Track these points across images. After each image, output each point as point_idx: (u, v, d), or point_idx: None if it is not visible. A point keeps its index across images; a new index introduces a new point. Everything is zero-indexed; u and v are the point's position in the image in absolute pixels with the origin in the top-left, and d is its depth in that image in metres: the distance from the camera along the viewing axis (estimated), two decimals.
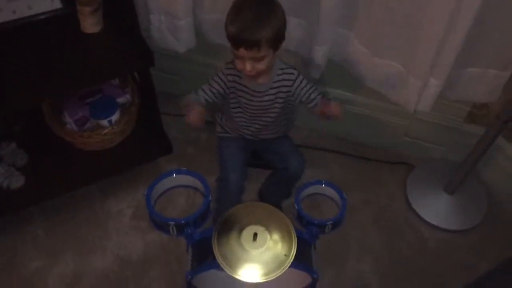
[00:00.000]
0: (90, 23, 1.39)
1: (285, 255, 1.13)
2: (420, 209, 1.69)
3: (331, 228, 1.32)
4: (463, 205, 1.71)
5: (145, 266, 1.57)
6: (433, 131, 1.72)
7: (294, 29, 1.46)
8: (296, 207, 1.32)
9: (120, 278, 1.55)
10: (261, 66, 1.23)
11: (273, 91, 1.35)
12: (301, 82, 1.36)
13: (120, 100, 1.64)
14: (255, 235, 1.15)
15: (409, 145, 1.81)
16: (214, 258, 1.13)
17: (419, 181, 1.76)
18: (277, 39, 1.23)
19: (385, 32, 1.34)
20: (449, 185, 1.69)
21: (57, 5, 1.41)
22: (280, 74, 1.33)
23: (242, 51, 1.20)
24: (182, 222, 1.25)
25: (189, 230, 1.25)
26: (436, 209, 1.70)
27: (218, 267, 1.12)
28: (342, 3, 1.33)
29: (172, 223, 1.25)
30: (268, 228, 1.16)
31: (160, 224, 1.29)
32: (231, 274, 1.11)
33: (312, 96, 1.38)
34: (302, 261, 1.21)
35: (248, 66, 1.22)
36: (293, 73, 1.35)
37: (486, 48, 1.30)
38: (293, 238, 1.16)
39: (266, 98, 1.36)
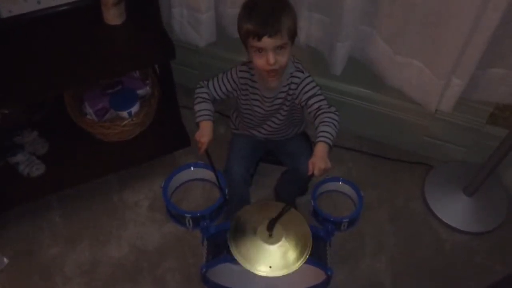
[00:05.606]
0: (113, 15, 1.41)
1: (300, 252, 1.13)
2: (438, 210, 1.67)
3: (347, 226, 1.32)
4: (482, 208, 1.68)
5: (161, 257, 1.59)
6: (454, 132, 1.70)
7: (315, 25, 1.45)
8: (312, 203, 1.32)
9: (135, 268, 1.56)
10: (282, 58, 1.22)
11: (282, 95, 1.33)
12: (305, 85, 1.31)
13: (140, 92, 1.66)
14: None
15: (428, 145, 1.79)
16: (229, 251, 1.14)
17: (438, 182, 1.74)
18: (294, 30, 1.22)
19: (408, 30, 1.33)
20: (469, 186, 1.67)
21: None
22: (289, 78, 1.31)
23: (265, 40, 1.18)
24: (198, 215, 1.27)
25: (205, 223, 1.26)
26: (454, 210, 1.68)
27: (233, 260, 1.13)
28: (366, 0, 1.32)
29: (188, 215, 1.26)
30: (283, 225, 1.16)
31: (176, 216, 1.30)
32: (246, 267, 1.11)
33: (310, 102, 1.29)
34: (317, 257, 1.21)
35: (271, 57, 1.20)
36: (299, 77, 1.31)
37: (510, 49, 1.28)
38: (308, 235, 1.16)
39: (276, 102, 1.35)
